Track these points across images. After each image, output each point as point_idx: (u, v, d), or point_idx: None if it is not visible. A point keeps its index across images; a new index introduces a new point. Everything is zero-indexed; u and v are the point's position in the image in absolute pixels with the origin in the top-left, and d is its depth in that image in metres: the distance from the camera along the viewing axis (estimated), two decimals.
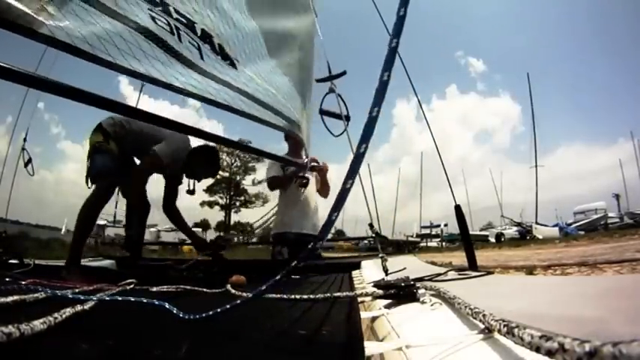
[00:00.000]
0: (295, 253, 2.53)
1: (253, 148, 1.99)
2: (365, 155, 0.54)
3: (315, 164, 2.51)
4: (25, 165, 2.72)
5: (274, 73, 2.13)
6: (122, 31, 1.25)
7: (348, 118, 1.79)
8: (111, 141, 2.07)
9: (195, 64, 1.57)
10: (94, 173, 2.02)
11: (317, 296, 0.93)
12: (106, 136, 2.08)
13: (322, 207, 2.82)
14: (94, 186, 2.01)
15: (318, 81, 1.88)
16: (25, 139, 3.08)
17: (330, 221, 0.59)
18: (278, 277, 0.70)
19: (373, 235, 1.62)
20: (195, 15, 1.57)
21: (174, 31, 1.46)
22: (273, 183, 2.76)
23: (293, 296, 0.95)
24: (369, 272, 1.55)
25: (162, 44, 1.41)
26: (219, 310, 0.73)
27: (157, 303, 0.90)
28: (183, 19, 1.52)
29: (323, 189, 2.79)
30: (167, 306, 0.85)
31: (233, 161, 29.54)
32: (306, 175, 2.38)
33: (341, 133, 1.78)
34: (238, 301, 0.73)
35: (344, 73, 1.89)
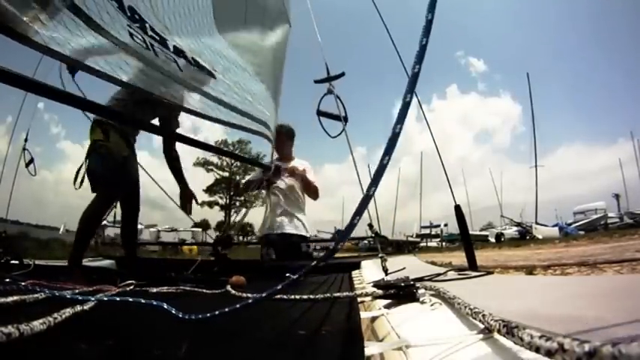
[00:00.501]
0: (280, 253, 2.64)
1: (223, 150, 2.09)
2: (387, 167, 0.60)
3: (284, 167, 2.68)
4: (27, 165, 2.70)
5: (252, 80, 2.26)
6: (106, 44, 1.32)
7: (345, 120, 1.79)
8: (112, 133, 1.94)
9: (174, 75, 1.66)
10: (97, 181, 1.92)
11: (317, 296, 0.93)
12: (105, 128, 1.94)
13: (309, 206, 2.95)
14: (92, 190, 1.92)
15: (316, 82, 1.89)
16: (26, 139, 3.06)
17: (351, 224, 0.61)
18: (281, 285, 0.71)
19: (373, 235, 1.62)
20: (167, 33, 1.64)
21: (150, 47, 1.54)
22: (245, 187, 3.00)
23: (293, 296, 0.95)
24: (368, 272, 1.55)
25: (141, 58, 1.49)
26: (217, 312, 0.73)
27: (155, 303, 0.90)
28: (156, 37, 1.59)
29: (307, 191, 2.87)
30: (165, 306, 0.86)
31: (233, 161, 29.56)
32: (275, 179, 2.60)
33: (338, 134, 1.77)
34: (237, 306, 0.74)
35: (342, 74, 1.88)
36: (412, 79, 0.60)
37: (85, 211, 1.88)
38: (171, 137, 2.19)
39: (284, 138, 2.82)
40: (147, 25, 1.53)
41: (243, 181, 3.08)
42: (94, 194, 1.93)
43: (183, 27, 1.76)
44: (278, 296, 0.97)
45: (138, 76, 1.46)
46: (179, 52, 1.71)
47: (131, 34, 1.44)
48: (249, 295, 1.02)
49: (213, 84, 1.87)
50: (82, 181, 1.96)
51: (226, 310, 0.72)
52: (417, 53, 0.61)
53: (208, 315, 0.74)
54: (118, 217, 2.44)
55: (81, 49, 1.20)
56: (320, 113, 1.84)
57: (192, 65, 1.77)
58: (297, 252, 2.67)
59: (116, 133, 1.97)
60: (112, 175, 1.91)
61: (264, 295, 0.74)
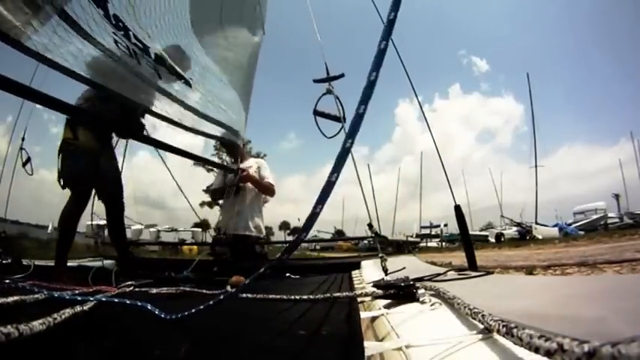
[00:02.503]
0: (235, 252, 2.70)
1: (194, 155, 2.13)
2: (350, 150, 0.56)
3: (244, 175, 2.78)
4: (24, 165, 2.69)
5: (226, 89, 2.30)
6: (92, 51, 1.37)
7: (344, 120, 1.78)
8: (81, 131, 1.90)
9: (154, 84, 1.71)
10: (65, 180, 1.91)
11: (317, 296, 0.93)
12: (74, 127, 1.90)
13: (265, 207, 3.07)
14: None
15: (315, 81, 1.88)
16: (23, 139, 3.05)
17: (314, 213, 0.58)
18: (248, 280, 0.73)
19: (372, 235, 1.62)
20: (148, 40, 1.67)
21: (133, 55, 1.58)
22: (213, 197, 3.08)
23: (293, 296, 0.95)
24: (368, 272, 1.55)
25: (125, 65, 1.53)
26: (194, 310, 0.75)
27: (139, 304, 0.91)
28: (139, 44, 1.62)
29: (261, 191, 2.93)
30: (149, 307, 0.86)
31: (233, 161, 29.52)
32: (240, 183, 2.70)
33: (335, 134, 1.77)
34: (211, 302, 0.75)
35: (342, 75, 1.87)
36: (378, 55, 0.56)
37: (62, 212, 1.89)
38: (138, 139, 2.13)
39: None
40: (130, 33, 1.56)
41: (211, 187, 3.11)
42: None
43: (164, 34, 1.78)
44: (278, 296, 0.97)
45: (120, 82, 1.50)
46: (160, 59, 1.74)
47: (116, 42, 1.48)
48: (256, 295, 1.03)
49: (190, 93, 1.93)
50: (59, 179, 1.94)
51: (201, 307, 0.74)
52: (385, 29, 0.58)
53: (186, 313, 0.75)
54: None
55: (69, 54, 1.24)
56: (317, 113, 1.82)
57: (171, 74, 1.82)
58: (252, 252, 2.74)
59: (86, 130, 1.93)
60: (79, 173, 1.90)
61: (233, 291, 0.76)
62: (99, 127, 2.00)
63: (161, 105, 1.77)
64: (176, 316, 0.76)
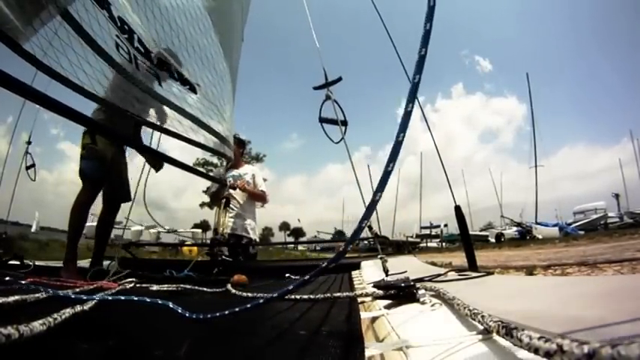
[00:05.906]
0: (232, 252, 2.84)
1: (185, 165, 2.09)
2: (392, 173, 0.63)
3: (234, 183, 2.93)
4: (27, 168, 2.71)
5: (230, 99, 2.26)
6: (90, 56, 1.34)
7: (345, 124, 1.80)
8: (99, 137, 2.08)
9: (152, 90, 1.66)
10: (81, 176, 2.10)
11: (317, 296, 0.93)
12: (93, 134, 2.08)
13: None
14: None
15: (315, 88, 1.89)
16: (29, 142, 3.08)
17: (359, 228, 0.68)
18: (306, 277, 0.73)
19: (372, 236, 1.62)
20: (152, 44, 1.65)
21: (133, 60, 1.55)
22: (214, 199, 3.14)
23: (293, 296, 0.95)
24: (368, 273, 1.55)
25: (122, 72, 1.50)
26: (227, 312, 0.73)
27: (160, 302, 0.91)
28: (141, 48, 1.59)
29: (255, 200, 3.17)
30: (171, 305, 0.86)
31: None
32: (230, 190, 2.84)
33: (340, 140, 1.78)
34: (248, 305, 0.74)
35: (340, 79, 1.89)
36: (412, 88, 0.62)
37: (72, 207, 2.01)
38: (142, 150, 2.26)
39: (235, 147, 2.97)
40: (135, 35, 1.54)
41: (212, 189, 3.15)
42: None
43: (174, 37, 1.76)
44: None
45: (114, 91, 1.50)
46: (163, 64, 1.71)
47: (117, 45, 1.46)
48: (256, 294, 1.02)
49: (193, 101, 1.89)
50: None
51: (236, 309, 0.72)
52: (417, 64, 0.62)
53: (218, 314, 0.74)
54: (119, 218, 2.47)
55: (65, 59, 1.21)
56: (322, 120, 1.85)
57: (175, 80, 1.77)
58: (246, 253, 2.95)
59: (103, 137, 2.11)
60: (95, 172, 2.06)
61: (275, 295, 0.75)
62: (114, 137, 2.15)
63: (156, 113, 1.75)
64: (204, 316, 0.75)
